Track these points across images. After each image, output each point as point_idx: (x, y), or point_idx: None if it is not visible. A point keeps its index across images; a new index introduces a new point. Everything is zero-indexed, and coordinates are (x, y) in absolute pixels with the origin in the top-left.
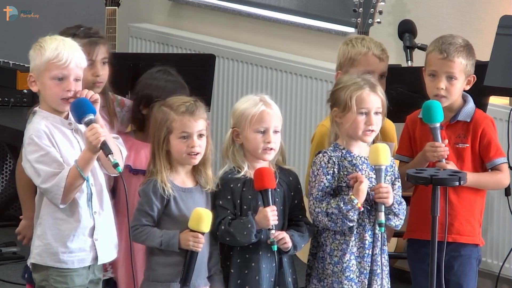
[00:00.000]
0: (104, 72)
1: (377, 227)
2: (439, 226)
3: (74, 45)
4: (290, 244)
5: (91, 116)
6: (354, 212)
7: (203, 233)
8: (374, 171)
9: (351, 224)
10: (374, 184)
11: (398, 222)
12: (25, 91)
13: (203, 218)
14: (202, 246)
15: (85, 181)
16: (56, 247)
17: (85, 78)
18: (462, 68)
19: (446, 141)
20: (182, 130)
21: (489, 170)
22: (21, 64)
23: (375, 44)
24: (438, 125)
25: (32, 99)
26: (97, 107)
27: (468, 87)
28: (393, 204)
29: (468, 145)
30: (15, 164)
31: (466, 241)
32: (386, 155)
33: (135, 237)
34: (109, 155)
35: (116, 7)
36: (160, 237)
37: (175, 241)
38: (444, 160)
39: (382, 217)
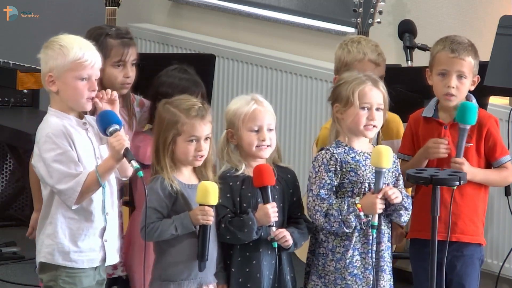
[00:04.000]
0: (133, 74)
1: (379, 230)
2: (444, 226)
3: (92, 45)
4: (291, 242)
5: (116, 126)
6: (354, 219)
7: (211, 206)
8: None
9: (347, 230)
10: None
11: (407, 218)
12: (25, 91)
13: (209, 190)
14: (212, 218)
15: (101, 187)
16: (68, 246)
17: (115, 78)
18: (471, 68)
19: (448, 139)
20: (192, 134)
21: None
22: (21, 64)
23: (371, 49)
24: (468, 127)
25: (32, 99)
26: (116, 106)
27: (472, 88)
28: (403, 199)
29: (472, 144)
30: (15, 164)
31: (470, 241)
32: (388, 159)
33: (148, 235)
34: (132, 161)
35: (116, 7)
36: (172, 223)
37: (188, 220)
38: (462, 157)
39: (375, 219)
